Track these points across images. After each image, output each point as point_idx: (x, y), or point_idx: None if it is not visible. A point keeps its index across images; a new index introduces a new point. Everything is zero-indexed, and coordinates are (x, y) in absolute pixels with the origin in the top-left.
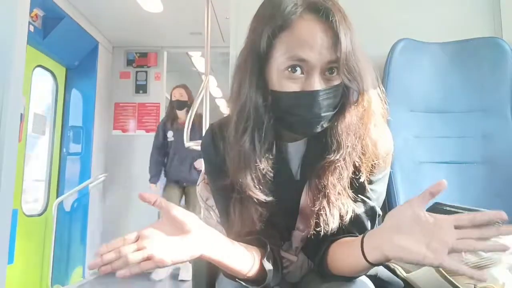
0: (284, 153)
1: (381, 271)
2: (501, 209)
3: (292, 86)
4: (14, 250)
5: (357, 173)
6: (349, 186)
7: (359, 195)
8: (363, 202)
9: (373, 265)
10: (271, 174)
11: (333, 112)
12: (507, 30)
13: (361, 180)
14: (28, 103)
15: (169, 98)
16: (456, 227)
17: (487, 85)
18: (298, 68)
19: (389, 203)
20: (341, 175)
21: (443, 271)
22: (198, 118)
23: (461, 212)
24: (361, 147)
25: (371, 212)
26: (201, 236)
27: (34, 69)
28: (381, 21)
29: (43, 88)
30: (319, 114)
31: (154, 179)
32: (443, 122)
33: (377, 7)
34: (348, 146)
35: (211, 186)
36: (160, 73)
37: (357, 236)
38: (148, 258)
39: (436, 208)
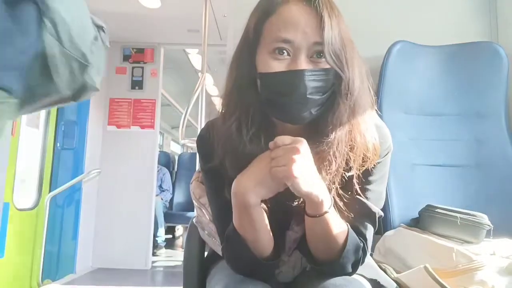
0: None
1: (380, 275)
2: (494, 213)
3: (279, 66)
4: (5, 244)
5: (348, 170)
6: (339, 182)
7: (357, 196)
8: (361, 203)
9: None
10: None
11: (321, 97)
12: (503, 34)
13: (350, 174)
14: None
15: (165, 95)
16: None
17: (482, 89)
18: (284, 51)
19: None
20: (329, 167)
21: (433, 272)
22: None
23: (453, 215)
24: (350, 139)
25: (369, 213)
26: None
27: None
28: (377, 23)
29: None
30: (305, 95)
31: None
32: (438, 125)
33: (374, 9)
34: (335, 137)
35: (205, 183)
36: (157, 69)
37: (356, 235)
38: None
39: (428, 210)
